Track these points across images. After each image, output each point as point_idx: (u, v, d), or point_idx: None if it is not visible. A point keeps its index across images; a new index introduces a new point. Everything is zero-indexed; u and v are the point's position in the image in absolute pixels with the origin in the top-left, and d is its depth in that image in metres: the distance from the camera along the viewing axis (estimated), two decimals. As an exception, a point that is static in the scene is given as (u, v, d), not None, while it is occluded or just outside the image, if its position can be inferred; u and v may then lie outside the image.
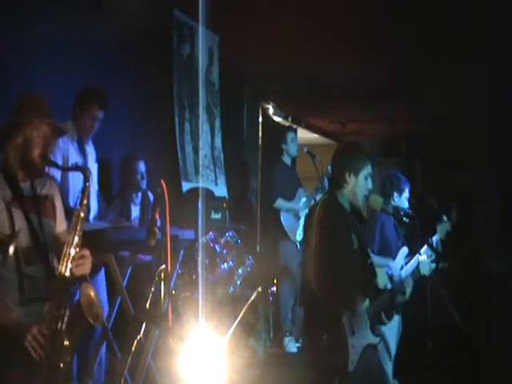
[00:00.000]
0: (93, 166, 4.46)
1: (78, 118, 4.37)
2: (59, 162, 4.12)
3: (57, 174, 4.11)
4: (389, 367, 4.64)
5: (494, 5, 5.90)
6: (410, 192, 5.11)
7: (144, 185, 5.21)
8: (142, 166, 5.20)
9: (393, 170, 5.40)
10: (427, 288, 4.70)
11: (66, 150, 4.23)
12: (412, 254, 4.86)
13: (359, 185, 3.44)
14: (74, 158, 4.28)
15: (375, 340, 3.38)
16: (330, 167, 6.25)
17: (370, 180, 3.47)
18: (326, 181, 6.43)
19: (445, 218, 5.25)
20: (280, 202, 6.48)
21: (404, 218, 3.85)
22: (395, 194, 5.01)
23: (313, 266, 3.26)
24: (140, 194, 5.30)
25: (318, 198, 6.52)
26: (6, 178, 2.76)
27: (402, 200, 5.00)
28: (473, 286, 6.40)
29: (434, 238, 5.07)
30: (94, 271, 4.22)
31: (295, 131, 7.29)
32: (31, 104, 2.85)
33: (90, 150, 4.49)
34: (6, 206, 2.69)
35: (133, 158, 5.19)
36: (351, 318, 3.24)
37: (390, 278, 4.58)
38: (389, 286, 3.69)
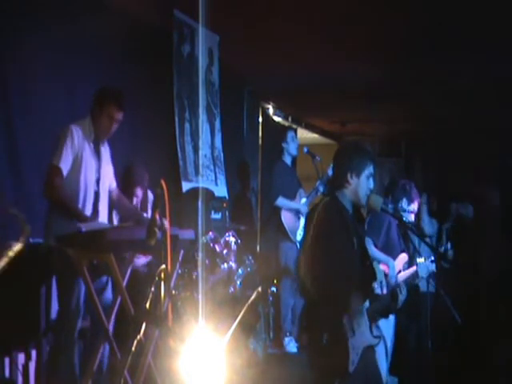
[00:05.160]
0: (107, 168, 4.42)
1: (96, 118, 4.26)
2: (70, 159, 4.11)
3: (67, 163, 4.11)
4: (384, 366, 4.65)
5: (494, 4, 5.90)
6: (418, 207, 5.07)
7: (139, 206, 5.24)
8: (139, 192, 5.22)
9: (407, 180, 5.35)
10: (427, 289, 4.72)
11: (82, 148, 4.16)
12: (411, 259, 4.86)
13: (361, 185, 3.43)
14: (89, 158, 4.22)
15: (374, 341, 3.38)
16: (330, 169, 6.36)
17: (371, 180, 3.47)
18: (325, 180, 6.45)
19: (449, 245, 5.16)
20: (281, 200, 6.47)
21: (404, 218, 3.86)
22: (404, 199, 4.98)
23: (312, 267, 3.26)
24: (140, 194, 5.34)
25: (317, 196, 6.55)
26: None
27: (409, 209, 4.97)
28: (473, 287, 6.39)
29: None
30: (101, 273, 4.22)
31: (295, 130, 7.26)
32: None
33: (105, 150, 4.42)
34: None
35: (131, 184, 5.18)
36: (352, 319, 3.24)
37: (385, 275, 4.58)
38: (383, 281, 3.68)
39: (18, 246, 2.73)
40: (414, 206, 5.02)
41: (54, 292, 4.37)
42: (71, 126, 4.17)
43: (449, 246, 5.13)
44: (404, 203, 4.96)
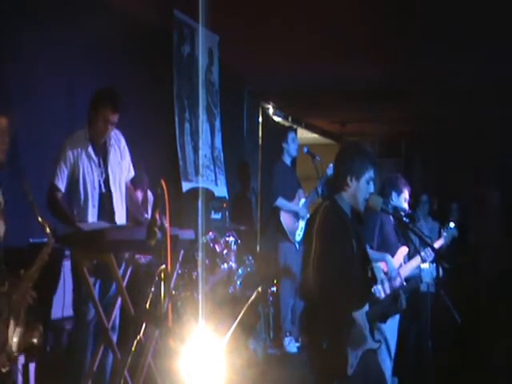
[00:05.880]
0: (121, 162, 4.42)
1: (92, 122, 4.26)
2: (65, 176, 4.16)
3: (64, 179, 4.15)
4: (388, 367, 4.65)
5: (494, 4, 5.90)
6: (410, 195, 5.07)
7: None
8: (138, 196, 5.22)
9: (393, 173, 5.38)
10: (428, 289, 4.71)
11: (77, 161, 4.19)
12: (411, 253, 4.85)
13: (361, 188, 3.42)
14: (87, 165, 4.23)
15: (375, 345, 3.37)
16: (329, 169, 6.36)
17: (371, 184, 3.45)
18: (324, 183, 6.46)
19: (452, 224, 5.16)
20: (281, 201, 6.48)
21: (404, 218, 3.85)
22: (393, 193, 4.98)
23: (312, 270, 3.25)
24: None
25: (315, 199, 6.56)
26: None
27: (401, 200, 4.97)
28: (473, 287, 6.39)
29: (439, 244, 5.04)
30: (106, 275, 4.22)
31: (296, 131, 7.26)
32: None
33: (114, 148, 4.40)
34: None
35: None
36: (351, 322, 3.24)
37: (385, 273, 4.56)
38: (384, 279, 3.67)
39: (45, 251, 2.82)
40: (405, 195, 5.02)
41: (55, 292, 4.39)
42: (66, 141, 4.21)
43: (451, 225, 5.11)
44: (394, 197, 4.95)
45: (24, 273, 2.77)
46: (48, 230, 2.81)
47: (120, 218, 4.34)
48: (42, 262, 2.79)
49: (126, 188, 4.47)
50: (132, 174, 4.55)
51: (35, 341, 2.78)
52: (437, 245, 4.99)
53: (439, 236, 5.28)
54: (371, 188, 3.45)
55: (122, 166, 4.43)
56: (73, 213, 4.20)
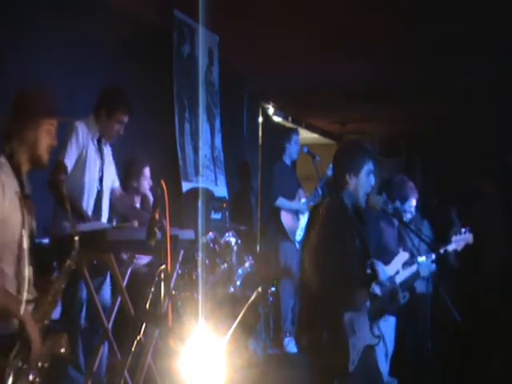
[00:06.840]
0: (109, 167, 4.44)
1: (103, 121, 4.27)
2: (74, 156, 4.13)
3: (72, 160, 4.11)
4: (385, 368, 4.64)
5: (494, 4, 5.90)
6: (417, 202, 4.97)
7: (147, 190, 5.23)
8: (147, 171, 5.23)
9: (401, 175, 5.26)
10: (427, 290, 4.71)
11: (86, 146, 4.19)
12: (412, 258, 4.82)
13: (361, 183, 3.43)
14: (93, 156, 4.24)
15: (374, 341, 3.38)
16: (329, 170, 6.35)
17: (372, 176, 3.46)
18: (324, 183, 6.46)
19: (463, 230, 5.02)
20: (281, 201, 6.48)
21: (404, 219, 3.85)
22: (397, 201, 4.91)
23: (313, 266, 3.26)
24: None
25: (317, 199, 6.55)
26: (13, 171, 2.75)
27: (405, 208, 4.90)
28: (473, 287, 6.38)
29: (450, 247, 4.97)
30: (100, 272, 4.22)
31: (299, 134, 7.28)
32: (40, 103, 2.83)
33: (107, 149, 4.44)
34: (19, 202, 2.69)
35: (139, 163, 5.19)
36: (352, 318, 3.25)
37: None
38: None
39: (69, 263, 2.84)
40: (411, 203, 4.94)
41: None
42: (76, 122, 4.17)
43: (463, 230, 4.99)
44: (397, 203, 4.90)
45: (55, 280, 2.79)
46: (76, 238, 2.83)
47: (104, 220, 4.34)
48: (70, 268, 2.82)
49: (111, 194, 4.46)
50: (117, 183, 4.54)
51: (63, 350, 2.79)
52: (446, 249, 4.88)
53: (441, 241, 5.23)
54: (372, 180, 3.46)
55: (110, 171, 4.44)
56: (80, 203, 4.14)
